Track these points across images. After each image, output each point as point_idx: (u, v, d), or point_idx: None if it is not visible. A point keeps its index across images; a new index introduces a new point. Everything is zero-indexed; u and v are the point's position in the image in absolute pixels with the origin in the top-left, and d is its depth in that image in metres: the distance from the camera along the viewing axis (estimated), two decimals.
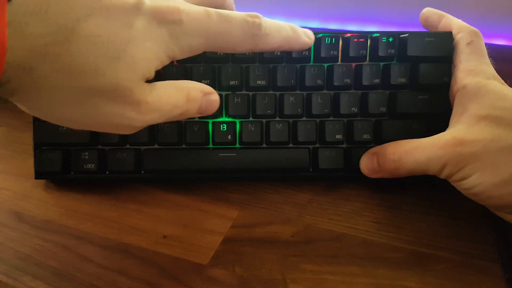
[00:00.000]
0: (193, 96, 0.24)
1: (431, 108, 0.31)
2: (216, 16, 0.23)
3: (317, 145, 0.33)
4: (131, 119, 0.22)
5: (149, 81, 0.22)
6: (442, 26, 0.32)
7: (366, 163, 0.31)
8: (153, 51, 0.21)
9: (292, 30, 0.26)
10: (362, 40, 0.31)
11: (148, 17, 0.21)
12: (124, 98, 0.21)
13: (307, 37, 0.27)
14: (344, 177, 0.33)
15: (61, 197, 0.33)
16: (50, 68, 0.19)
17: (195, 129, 0.32)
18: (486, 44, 0.31)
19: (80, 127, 0.23)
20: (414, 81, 0.32)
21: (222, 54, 0.31)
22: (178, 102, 0.24)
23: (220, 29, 0.23)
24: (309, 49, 0.32)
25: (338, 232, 0.29)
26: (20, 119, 0.41)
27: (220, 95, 0.32)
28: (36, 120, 0.32)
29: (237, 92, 0.32)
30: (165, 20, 0.21)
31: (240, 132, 0.32)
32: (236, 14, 0.24)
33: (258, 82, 0.32)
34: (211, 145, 0.32)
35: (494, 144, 0.25)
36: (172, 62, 0.31)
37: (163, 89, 0.23)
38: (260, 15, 0.24)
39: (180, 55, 0.23)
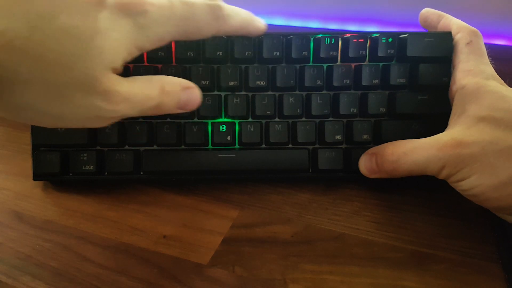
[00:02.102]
0: (168, 89, 0.25)
1: (431, 109, 0.31)
2: (179, 3, 0.24)
3: (317, 146, 0.33)
4: (102, 109, 0.22)
5: (121, 75, 0.23)
6: (442, 26, 0.32)
7: (365, 164, 0.31)
8: (120, 42, 0.22)
9: (248, 14, 0.28)
10: (362, 40, 0.31)
11: (113, 10, 0.21)
12: (94, 88, 0.21)
13: (262, 24, 0.29)
14: (344, 178, 0.33)
15: (61, 197, 0.33)
16: (18, 63, 0.19)
17: (194, 130, 0.32)
18: (486, 44, 0.31)
19: (53, 123, 0.23)
20: (413, 82, 0.32)
21: (221, 54, 0.31)
22: (151, 93, 0.24)
23: (185, 15, 0.24)
24: (308, 50, 0.32)
25: (338, 232, 0.29)
26: None
27: (219, 96, 0.32)
28: None
29: (236, 93, 0.32)
30: (130, 12, 0.22)
31: (240, 132, 0.32)
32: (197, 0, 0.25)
33: (258, 82, 0.32)
34: (210, 146, 0.32)
35: (493, 145, 0.25)
36: (171, 63, 0.32)
37: (135, 80, 0.24)
38: None
39: (149, 45, 0.23)
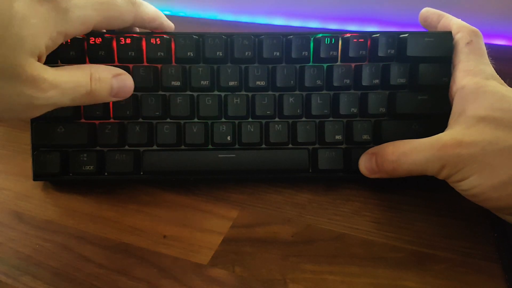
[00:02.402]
0: (98, 76, 0.25)
1: (431, 109, 0.31)
2: None
3: (317, 146, 0.33)
4: (31, 96, 0.22)
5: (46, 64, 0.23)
6: (442, 26, 0.32)
7: (365, 164, 0.31)
8: (39, 27, 0.22)
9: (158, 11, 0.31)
10: (362, 40, 0.31)
11: None
12: (18, 75, 0.21)
13: (168, 20, 0.32)
14: (344, 178, 0.33)
15: (61, 197, 0.33)
16: None
17: (194, 130, 0.32)
18: (486, 44, 0.31)
19: None
20: (413, 82, 0.32)
21: (221, 54, 0.31)
22: (80, 81, 0.24)
23: None
24: (308, 50, 0.32)
25: (338, 232, 0.29)
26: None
27: (219, 96, 0.32)
28: (34, 121, 0.32)
29: (236, 93, 0.32)
30: None
31: (240, 132, 0.32)
32: None
33: (257, 82, 0.32)
34: (210, 146, 0.32)
35: (493, 145, 0.25)
36: (170, 63, 0.32)
37: (63, 69, 0.24)
38: None
39: (73, 30, 0.24)
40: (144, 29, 0.31)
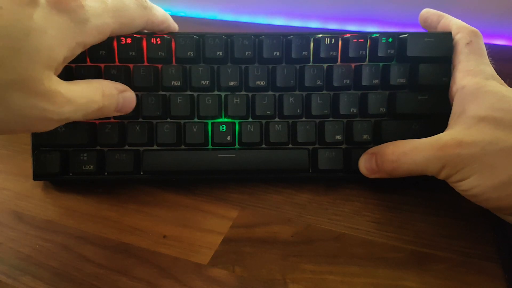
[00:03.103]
0: (108, 92, 0.25)
1: (431, 109, 0.31)
2: None
3: (317, 146, 0.33)
4: (46, 110, 0.22)
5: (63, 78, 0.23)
6: (441, 27, 0.32)
7: (365, 163, 0.31)
8: (57, 39, 0.22)
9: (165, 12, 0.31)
10: (362, 40, 0.31)
11: (47, 7, 0.21)
12: (35, 88, 0.21)
13: (174, 21, 0.32)
14: (344, 178, 0.33)
15: (61, 197, 0.33)
16: None
17: (194, 130, 0.32)
18: (486, 44, 0.31)
19: (1, 129, 0.22)
20: (413, 82, 0.32)
21: (221, 54, 0.31)
22: (94, 97, 0.24)
23: (117, 6, 0.25)
24: (308, 50, 0.32)
25: (338, 232, 0.29)
26: None
27: (219, 96, 0.32)
28: None
29: (236, 93, 0.32)
30: (66, 8, 0.22)
31: (240, 132, 0.32)
32: None
33: (258, 82, 0.32)
34: (210, 146, 0.32)
35: (493, 146, 0.25)
36: (171, 63, 0.32)
37: (77, 83, 0.24)
38: None
39: (90, 40, 0.24)
40: (152, 31, 0.31)
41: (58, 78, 0.23)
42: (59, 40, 0.22)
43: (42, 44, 0.21)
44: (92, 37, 0.24)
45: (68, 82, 0.23)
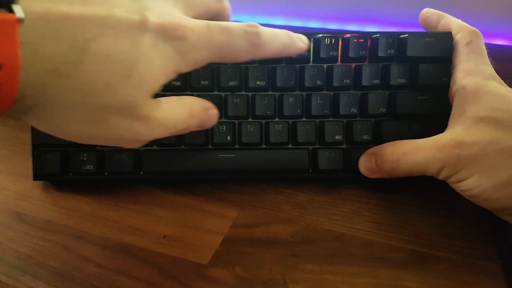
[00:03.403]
0: (195, 112, 0.25)
1: (431, 109, 0.31)
2: (218, 29, 0.23)
3: (317, 146, 0.33)
4: (140, 134, 0.22)
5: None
6: (442, 26, 0.32)
7: (365, 164, 0.31)
8: (160, 67, 0.22)
9: (288, 37, 0.27)
10: (362, 40, 0.31)
11: (154, 34, 0.21)
12: (133, 113, 0.21)
13: (302, 42, 0.28)
14: (344, 178, 0.33)
15: (61, 197, 0.33)
16: (62, 87, 0.19)
17: None
18: (486, 44, 0.31)
19: (91, 142, 0.23)
20: (413, 82, 0.32)
21: None
22: (182, 118, 0.24)
23: (222, 42, 0.24)
24: (308, 50, 0.32)
25: (338, 232, 0.29)
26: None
27: (219, 96, 0.32)
28: None
29: (236, 93, 0.32)
30: (171, 36, 0.22)
31: (240, 133, 0.32)
32: (235, 25, 0.24)
33: (258, 82, 0.32)
34: (210, 146, 0.32)
35: (493, 146, 0.25)
36: None
37: (169, 105, 0.24)
38: (258, 24, 0.25)
39: (186, 69, 0.23)
40: None
41: (154, 102, 0.23)
42: (162, 68, 0.22)
43: (148, 72, 0.21)
44: (188, 67, 0.23)
45: (162, 102, 0.23)
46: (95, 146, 0.32)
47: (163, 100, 0.23)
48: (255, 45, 0.25)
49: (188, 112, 0.25)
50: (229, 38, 0.24)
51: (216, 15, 0.28)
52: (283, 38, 0.27)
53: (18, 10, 0.17)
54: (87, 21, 0.19)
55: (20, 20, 0.17)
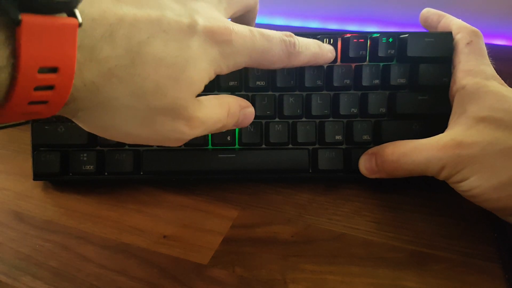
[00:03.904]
0: (233, 111, 0.26)
1: (431, 109, 0.31)
2: (259, 36, 0.24)
3: (317, 146, 0.33)
4: (183, 133, 0.23)
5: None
6: (442, 26, 0.32)
7: (365, 164, 0.31)
8: (206, 70, 0.22)
9: (319, 47, 0.29)
10: (362, 40, 0.31)
11: (203, 37, 0.22)
12: (180, 115, 0.22)
13: (330, 53, 0.30)
14: (344, 178, 0.33)
15: (61, 197, 0.33)
16: (115, 89, 0.19)
17: None
18: (486, 44, 0.31)
19: (135, 142, 0.23)
20: (413, 82, 0.32)
21: None
22: (220, 117, 0.25)
23: (263, 48, 0.24)
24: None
25: (338, 232, 0.29)
26: None
27: None
28: (34, 121, 0.32)
29: (236, 93, 0.32)
30: (218, 40, 0.22)
31: (240, 133, 0.32)
32: (274, 33, 0.25)
33: (258, 82, 0.32)
34: (210, 146, 0.32)
35: (493, 146, 0.25)
36: None
37: (209, 104, 0.24)
38: (293, 34, 0.26)
39: (226, 71, 0.24)
40: None
41: (197, 102, 0.23)
42: (207, 71, 0.22)
43: (196, 75, 0.22)
44: (227, 70, 0.24)
45: (203, 101, 0.23)
46: (95, 146, 0.32)
47: (204, 99, 0.24)
48: (290, 54, 0.26)
49: (226, 111, 0.25)
50: (269, 45, 0.25)
51: (249, 11, 0.29)
52: (314, 49, 0.28)
53: (78, 15, 0.17)
54: (141, 24, 0.19)
55: (80, 25, 0.17)
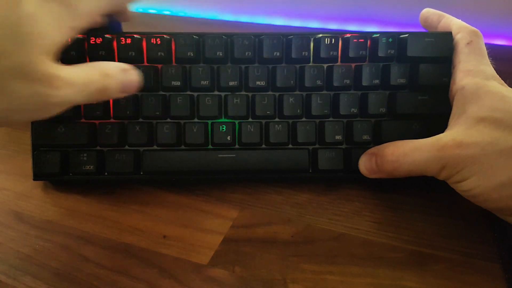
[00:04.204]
0: (107, 71, 0.25)
1: (431, 109, 0.31)
2: None
3: (317, 146, 0.33)
4: (45, 95, 0.22)
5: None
6: (442, 26, 0.32)
7: (365, 164, 0.31)
8: (49, 24, 0.22)
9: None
10: (362, 40, 0.31)
11: None
12: (32, 74, 0.21)
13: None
14: (344, 178, 0.33)
15: (61, 197, 0.33)
16: None
17: (194, 130, 0.32)
18: (486, 44, 0.31)
19: (4, 120, 0.23)
20: (413, 82, 0.32)
21: (221, 54, 0.31)
22: (92, 77, 0.24)
23: None
24: (308, 50, 0.32)
25: (338, 232, 0.29)
26: None
27: (219, 96, 0.32)
28: (34, 121, 0.32)
29: (236, 93, 0.32)
30: None
31: (240, 133, 0.32)
32: None
33: (258, 82, 0.32)
34: (210, 146, 0.32)
35: (493, 146, 0.25)
36: (171, 63, 0.32)
37: (78, 66, 0.24)
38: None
39: (83, 24, 0.24)
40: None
41: (54, 62, 0.23)
42: (51, 25, 0.22)
43: (34, 30, 0.21)
44: (83, 21, 0.24)
45: (68, 66, 0.23)
46: (95, 146, 0.32)
47: (73, 65, 0.24)
48: None
49: (98, 71, 0.25)
50: None
51: None
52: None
53: None
54: None
55: None
